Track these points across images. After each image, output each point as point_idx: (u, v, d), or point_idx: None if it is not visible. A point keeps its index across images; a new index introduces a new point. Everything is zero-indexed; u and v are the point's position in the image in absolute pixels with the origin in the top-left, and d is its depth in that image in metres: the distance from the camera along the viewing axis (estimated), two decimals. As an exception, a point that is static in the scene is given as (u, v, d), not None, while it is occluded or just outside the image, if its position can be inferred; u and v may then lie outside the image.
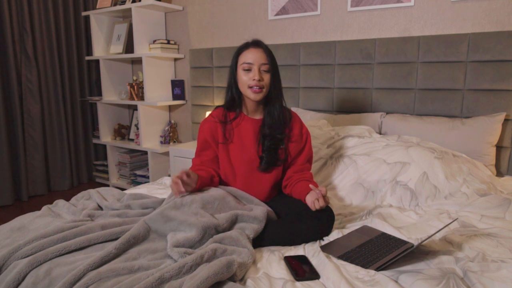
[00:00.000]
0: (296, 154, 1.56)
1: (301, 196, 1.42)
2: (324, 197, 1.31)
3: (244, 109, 1.55)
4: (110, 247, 1.10)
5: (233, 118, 1.52)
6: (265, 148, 1.49)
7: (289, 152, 1.54)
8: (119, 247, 1.11)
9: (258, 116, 1.55)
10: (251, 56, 1.43)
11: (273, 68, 1.45)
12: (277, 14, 2.69)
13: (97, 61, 3.70)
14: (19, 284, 1.03)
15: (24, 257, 1.10)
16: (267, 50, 1.45)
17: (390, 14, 2.28)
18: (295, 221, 1.32)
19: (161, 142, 3.32)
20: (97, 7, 3.39)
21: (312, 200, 1.32)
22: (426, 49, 2.11)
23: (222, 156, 1.52)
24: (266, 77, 1.44)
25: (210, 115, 1.56)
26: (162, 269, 1.00)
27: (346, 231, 1.36)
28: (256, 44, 1.47)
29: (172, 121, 3.39)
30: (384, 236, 1.29)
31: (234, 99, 1.52)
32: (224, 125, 1.51)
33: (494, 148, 1.92)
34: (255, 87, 1.42)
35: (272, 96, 1.48)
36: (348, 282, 1.00)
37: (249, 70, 1.43)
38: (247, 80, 1.43)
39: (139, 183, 3.31)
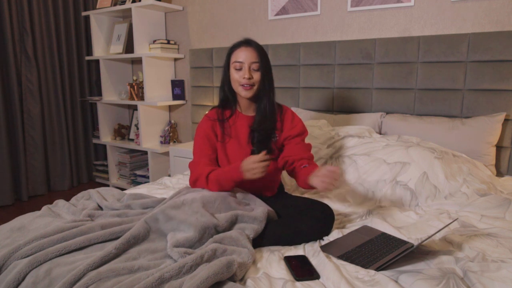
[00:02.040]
0: (290, 136, 1.56)
1: (307, 175, 1.38)
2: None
3: (238, 106, 1.58)
4: (110, 247, 1.10)
5: (229, 116, 1.56)
6: (256, 141, 1.51)
7: (285, 138, 1.56)
8: (119, 247, 1.11)
9: (252, 113, 1.58)
10: (242, 55, 1.46)
11: (263, 66, 1.48)
12: (277, 14, 2.69)
13: (97, 61, 3.70)
14: (19, 284, 1.03)
15: (24, 257, 1.09)
16: (258, 49, 1.48)
17: (390, 14, 2.28)
18: (295, 221, 1.32)
19: (161, 142, 3.32)
20: (97, 7, 3.39)
21: (320, 181, 1.29)
22: (426, 49, 2.10)
23: (220, 154, 1.55)
24: (256, 75, 1.47)
25: (205, 116, 1.59)
26: (162, 269, 1.00)
27: (346, 231, 1.36)
28: (247, 43, 1.49)
29: (172, 121, 3.39)
30: (384, 236, 1.29)
31: (228, 97, 1.56)
32: (221, 123, 1.55)
33: (494, 148, 1.92)
34: (245, 85, 1.46)
35: (262, 93, 1.51)
36: (348, 282, 1.00)
37: (240, 68, 1.47)
38: (238, 78, 1.47)
39: (139, 183, 3.31)
